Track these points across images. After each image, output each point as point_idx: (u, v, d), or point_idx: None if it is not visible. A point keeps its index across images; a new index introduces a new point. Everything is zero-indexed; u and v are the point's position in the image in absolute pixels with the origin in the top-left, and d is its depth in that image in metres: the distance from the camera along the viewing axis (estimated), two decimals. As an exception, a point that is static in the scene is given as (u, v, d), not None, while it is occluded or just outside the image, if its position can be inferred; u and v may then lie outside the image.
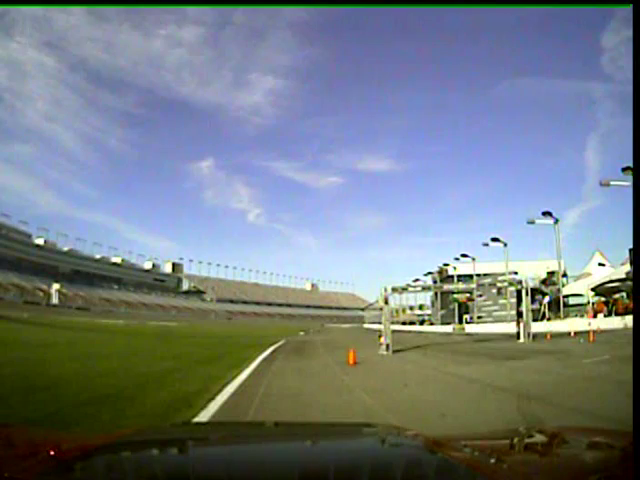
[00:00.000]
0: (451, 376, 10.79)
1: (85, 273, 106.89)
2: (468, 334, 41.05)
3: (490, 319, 47.28)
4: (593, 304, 34.75)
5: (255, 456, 1.53)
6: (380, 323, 23.40)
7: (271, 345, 22.38)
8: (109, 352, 15.75)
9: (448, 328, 50.25)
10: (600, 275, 37.59)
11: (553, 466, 1.46)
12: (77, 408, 5.92)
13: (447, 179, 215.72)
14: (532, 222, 39.20)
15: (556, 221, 37.76)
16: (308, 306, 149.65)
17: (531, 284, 32.80)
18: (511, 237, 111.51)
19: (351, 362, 13.09)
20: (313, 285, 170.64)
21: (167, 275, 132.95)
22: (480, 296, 50.27)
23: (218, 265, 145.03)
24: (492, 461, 1.37)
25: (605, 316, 29.88)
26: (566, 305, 38.20)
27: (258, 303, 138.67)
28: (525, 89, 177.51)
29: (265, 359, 15.13)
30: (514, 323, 25.70)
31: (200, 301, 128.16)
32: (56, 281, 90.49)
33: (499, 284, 32.96)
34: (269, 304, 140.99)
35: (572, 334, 24.06)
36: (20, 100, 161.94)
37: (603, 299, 34.31)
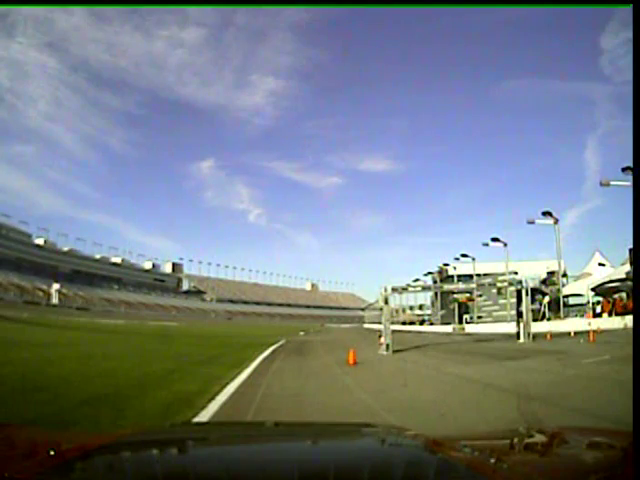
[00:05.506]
0: (451, 376, 10.79)
1: (85, 273, 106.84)
2: (468, 334, 41.03)
3: (490, 319, 47.27)
4: (594, 304, 34.70)
5: (255, 456, 1.53)
6: (380, 323, 23.39)
7: (271, 345, 22.37)
8: (109, 352, 15.75)
9: (448, 328, 50.21)
10: (600, 275, 37.56)
11: (553, 466, 1.46)
12: (77, 408, 5.92)
13: (447, 179, 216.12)
14: (532, 222, 39.16)
15: (556, 221, 37.74)
16: (308, 306, 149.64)
17: (531, 284, 32.80)
18: (511, 237, 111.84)
19: (351, 362, 13.09)
20: (313, 285, 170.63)
21: (167, 275, 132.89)
22: (480, 296, 50.26)
23: (218, 265, 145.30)
24: (492, 461, 1.37)
25: (608, 315, 29.85)
26: (566, 305, 38.18)
27: (258, 303, 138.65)
28: (525, 90, 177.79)
29: (265, 359, 15.13)
30: (514, 323, 25.68)
31: (200, 301, 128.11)
32: (56, 281, 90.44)
33: (499, 284, 32.88)
34: (269, 304, 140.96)
35: (572, 334, 24.05)
36: (21, 100, 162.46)
37: (608, 299, 34.22)
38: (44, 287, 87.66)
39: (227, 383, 8.73)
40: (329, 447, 1.78)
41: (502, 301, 44.71)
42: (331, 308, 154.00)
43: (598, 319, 29.18)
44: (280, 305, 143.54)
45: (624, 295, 31.70)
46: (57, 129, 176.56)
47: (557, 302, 38.25)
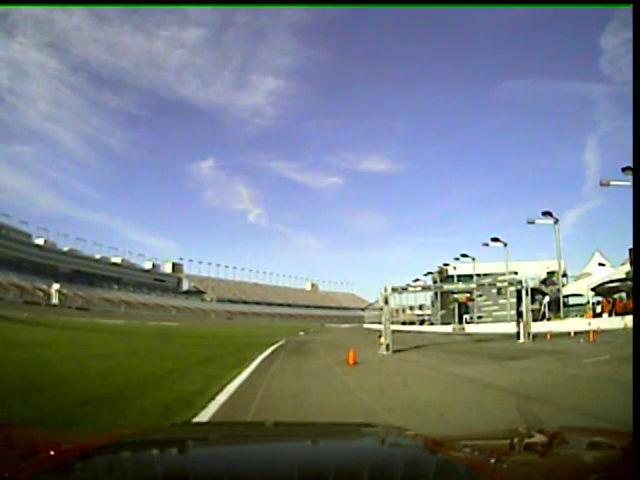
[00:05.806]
0: (451, 376, 10.79)
1: (85, 273, 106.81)
2: (468, 334, 41.03)
3: (490, 319, 47.27)
4: (594, 304, 34.68)
5: (255, 456, 1.53)
6: (380, 323, 23.39)
7: (271, 345, 22.37)
8: (109, 352, 15.75)
9: (448, 328, 50.22)
10: (600, 275, 37.54)
11: (553, 466, 1.46)
12: (77, 408, 5.92)
13: (447, 179, 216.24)
14: (532, 222, 39.16)
15: (556, 221, 37.73)
16: (308, 306, 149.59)
17: (531, 284, 32.75)
18: (511, 237, 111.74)
19: (351, 362, 13.09)
20: (313, 285, 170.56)
21: (167, 275, 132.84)
22: (480, 296, 50.25)
23: (218, 265, 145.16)
24: (492, 461, 1.36)
25: (609, 316, 29.84)
26: (566, 305, 38.17)
27: (258, 303, 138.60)
28: (525, 90, 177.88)
29: (265, 359, 15.13)
30: (514, 323, 25.68)
31: (200, 301, 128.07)
32: (56, 281, 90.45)
33: (499, 284, 32.91)
34: (269, 304, 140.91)
35: (572, 334, 24.04)
36: (22, 101, 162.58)
37: (608, 299, 34.19)
38: (44, 287, 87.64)
39: (227, 383, 8.73)
40: (329, 447, 1.78)
41: (502, 301, 44.71)
42: (331, 308, 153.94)
43: (598, 319, 29.18)
44: (280, 305, 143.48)
45: (624, 295, 31.71)
46: (57, 129, 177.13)
47: (557, 302, 38.25)
